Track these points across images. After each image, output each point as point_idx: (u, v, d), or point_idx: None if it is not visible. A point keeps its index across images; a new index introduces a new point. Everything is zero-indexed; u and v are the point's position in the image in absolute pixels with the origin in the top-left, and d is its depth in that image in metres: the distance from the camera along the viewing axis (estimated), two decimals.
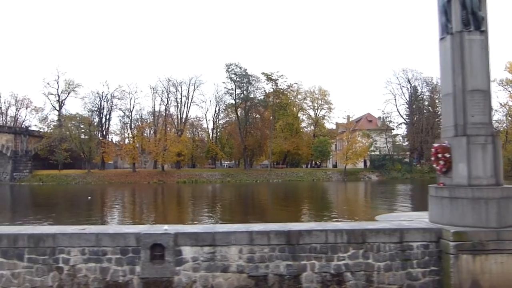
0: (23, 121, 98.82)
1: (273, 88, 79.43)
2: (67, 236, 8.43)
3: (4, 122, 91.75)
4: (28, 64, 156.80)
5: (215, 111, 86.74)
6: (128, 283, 8.35)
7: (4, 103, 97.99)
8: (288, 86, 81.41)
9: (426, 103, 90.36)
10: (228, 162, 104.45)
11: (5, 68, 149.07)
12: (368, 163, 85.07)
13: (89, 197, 35.96)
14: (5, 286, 8.26)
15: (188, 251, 8.46)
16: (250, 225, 9.67)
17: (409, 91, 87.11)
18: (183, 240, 8.49)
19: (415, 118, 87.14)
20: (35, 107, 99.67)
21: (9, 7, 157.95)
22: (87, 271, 8.34)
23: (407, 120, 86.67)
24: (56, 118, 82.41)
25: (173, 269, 8.39)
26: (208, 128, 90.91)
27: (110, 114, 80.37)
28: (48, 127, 79.95)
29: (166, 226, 8.87)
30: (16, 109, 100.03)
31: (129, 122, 79.74)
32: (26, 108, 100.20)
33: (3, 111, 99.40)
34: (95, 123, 79.96)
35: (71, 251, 8.38)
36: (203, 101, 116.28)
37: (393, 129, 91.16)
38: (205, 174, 73.10)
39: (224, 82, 78.45)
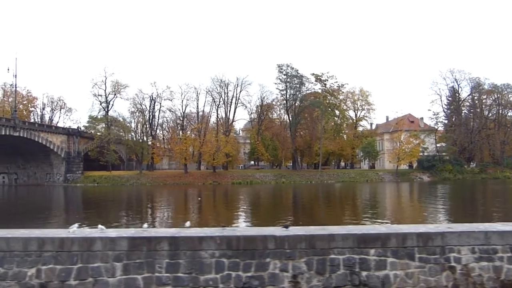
0: (57, 123, 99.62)
1: (321, 89, 79.11)
2: (455, 235, 8.39)
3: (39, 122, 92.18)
4: (61, 65, 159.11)
5: (261, 111, 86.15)
6: None
7: (47, 104, 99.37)
8: (339, 87, 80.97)
9: (468, 103, 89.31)
10: (264, 163, 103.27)
11: (40, 69, 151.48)
12: (414, 164, 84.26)
13: (199, 198, 35.97)
14: (400, 286, 8.21)
15: None
16: None
17: (455, 92, 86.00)
18: None
19: (460, 119, 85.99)
20: (69, 108, 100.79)
21: (51, 9, 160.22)
22: (480, 270, 8.29)
23: (455, 121, 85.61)
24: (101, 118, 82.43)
25: None
26: (252, 129, 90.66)
27: (158, 115, 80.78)
28: (100, 129, 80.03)
29: None
30: (51, 110, 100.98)
31: (180, 123, 79.98)
32: (60, 110, 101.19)
33: (42, 112, 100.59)
34: (144, 125, 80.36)
35: (461, 250, 8.34)
36: (248, 102, 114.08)
37: (436, 129, 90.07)
38: (257, 175, 72.84)
39: (275, 83, 78.14)
